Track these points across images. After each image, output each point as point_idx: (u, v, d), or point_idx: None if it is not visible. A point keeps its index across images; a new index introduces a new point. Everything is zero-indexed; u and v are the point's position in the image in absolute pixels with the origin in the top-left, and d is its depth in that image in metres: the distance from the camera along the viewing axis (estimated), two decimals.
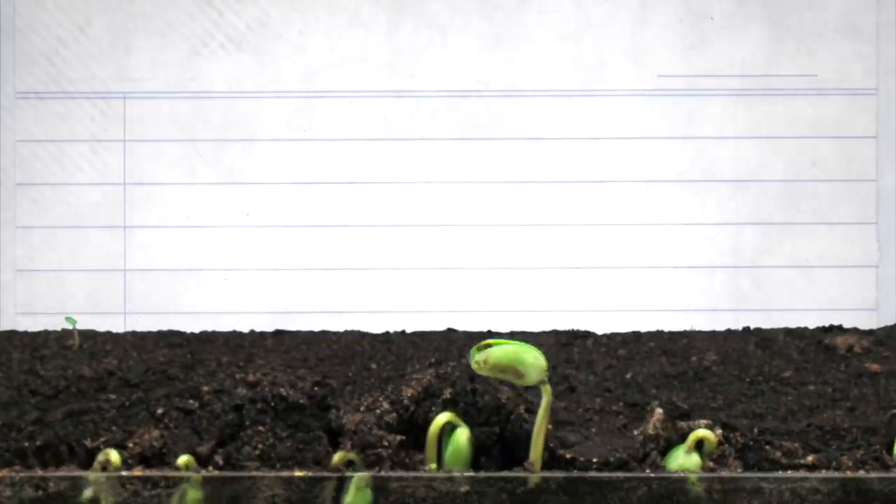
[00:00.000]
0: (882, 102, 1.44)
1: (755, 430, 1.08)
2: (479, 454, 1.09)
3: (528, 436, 1.06)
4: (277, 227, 1.45)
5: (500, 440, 1.09)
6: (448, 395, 1.10)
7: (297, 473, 1.02)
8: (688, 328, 1.41)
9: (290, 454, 1.07)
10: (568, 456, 1.06)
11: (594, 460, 1.06)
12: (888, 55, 1.44)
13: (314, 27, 1.45)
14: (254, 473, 1.01)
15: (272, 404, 1.10)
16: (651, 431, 1.06)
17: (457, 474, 1.01)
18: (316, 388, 1.11)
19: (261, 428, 1.08)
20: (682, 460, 1.03)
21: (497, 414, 1.10)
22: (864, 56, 1.44)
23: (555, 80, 1.45)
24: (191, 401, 1.11)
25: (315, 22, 1.45)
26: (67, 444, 1.09)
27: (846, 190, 1.45)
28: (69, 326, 1.34)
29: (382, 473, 1.02)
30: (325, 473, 1.02)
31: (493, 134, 1.46)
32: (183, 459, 1.00)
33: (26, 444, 1.07)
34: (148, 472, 1.02)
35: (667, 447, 1.06)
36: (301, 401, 1.10)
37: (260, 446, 1.07)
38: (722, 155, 1.45)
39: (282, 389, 1.11)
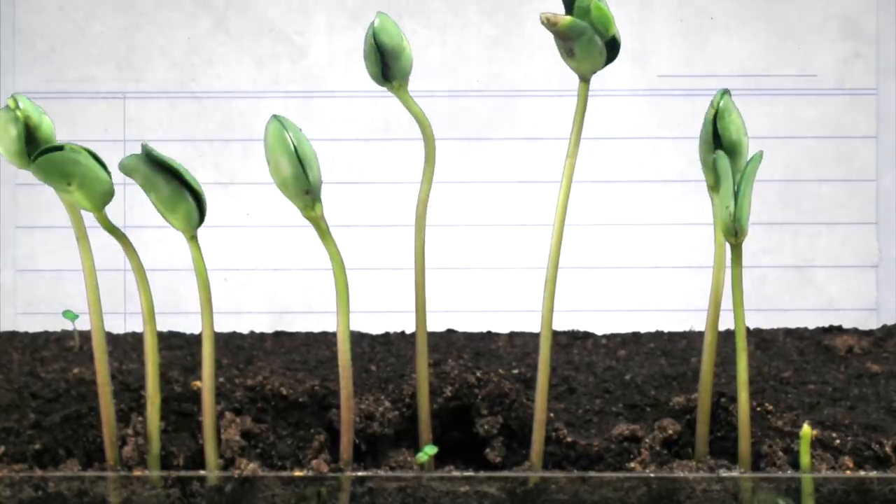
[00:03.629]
0: (882, 102, 1.44)
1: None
2: (485, 443, 1.09)
3: (531, 423, 1.06)
4: (277, 227, 1.45)
5: (504, 429, 1.09)
6: (449, 394, 1.11)
7: (297, 473, 1.02)
8: (688, 328, 1.41)
9: (290, 453, 1.07)
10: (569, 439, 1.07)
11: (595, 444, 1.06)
12: (888, 55, 1.44)
13: (314, 27, 1.45)
14: (255, 474, 1.01)
15: (272, 404, 1.10)
16: None
17: (456, 474, 1.01)
18: (316, 389, 1.11)
19: (261, 428, 1.08)
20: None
21: (500, 403, 1.10)
22: (864, 56, 1.44)
23: (555, 80, 1.45)
24: (190, 404, 1.11)
25: (315, 22, 1.45)
26: (66, 448, 1.09)
27: (846, 190, 1.45)
28: (70, 325, 1.34)
29: (382, 473, 1.02)
30: (325, 474, 1.02)
31: (493, 134, 1.45)
32: None
33: (26, 448, 1.07)
34: (147, 473, 1.03)
35: None
36: (301, 400, 1.11)
37: (260, 446, 1.07)
38: None
39: (282, 390, 1.11)
